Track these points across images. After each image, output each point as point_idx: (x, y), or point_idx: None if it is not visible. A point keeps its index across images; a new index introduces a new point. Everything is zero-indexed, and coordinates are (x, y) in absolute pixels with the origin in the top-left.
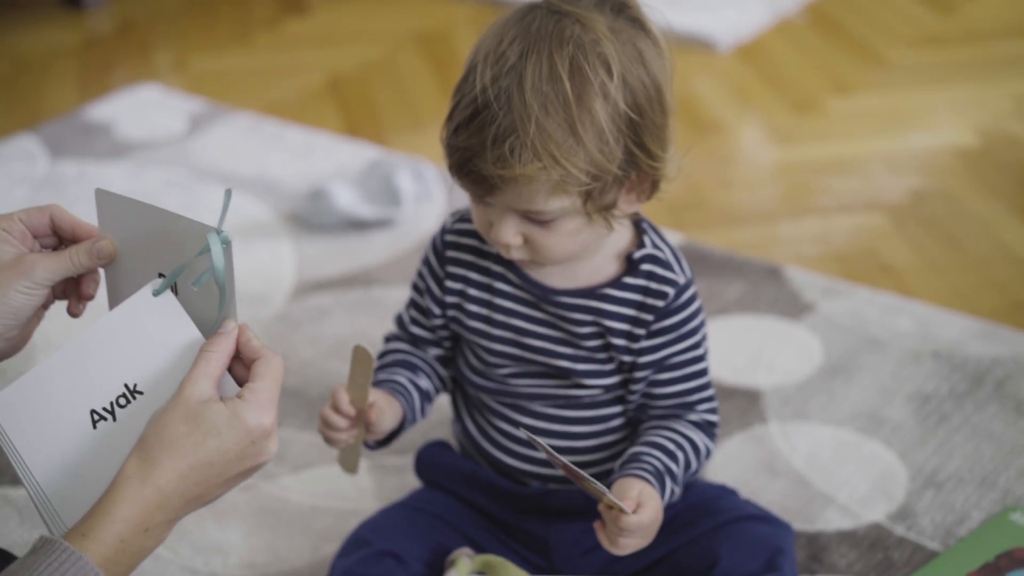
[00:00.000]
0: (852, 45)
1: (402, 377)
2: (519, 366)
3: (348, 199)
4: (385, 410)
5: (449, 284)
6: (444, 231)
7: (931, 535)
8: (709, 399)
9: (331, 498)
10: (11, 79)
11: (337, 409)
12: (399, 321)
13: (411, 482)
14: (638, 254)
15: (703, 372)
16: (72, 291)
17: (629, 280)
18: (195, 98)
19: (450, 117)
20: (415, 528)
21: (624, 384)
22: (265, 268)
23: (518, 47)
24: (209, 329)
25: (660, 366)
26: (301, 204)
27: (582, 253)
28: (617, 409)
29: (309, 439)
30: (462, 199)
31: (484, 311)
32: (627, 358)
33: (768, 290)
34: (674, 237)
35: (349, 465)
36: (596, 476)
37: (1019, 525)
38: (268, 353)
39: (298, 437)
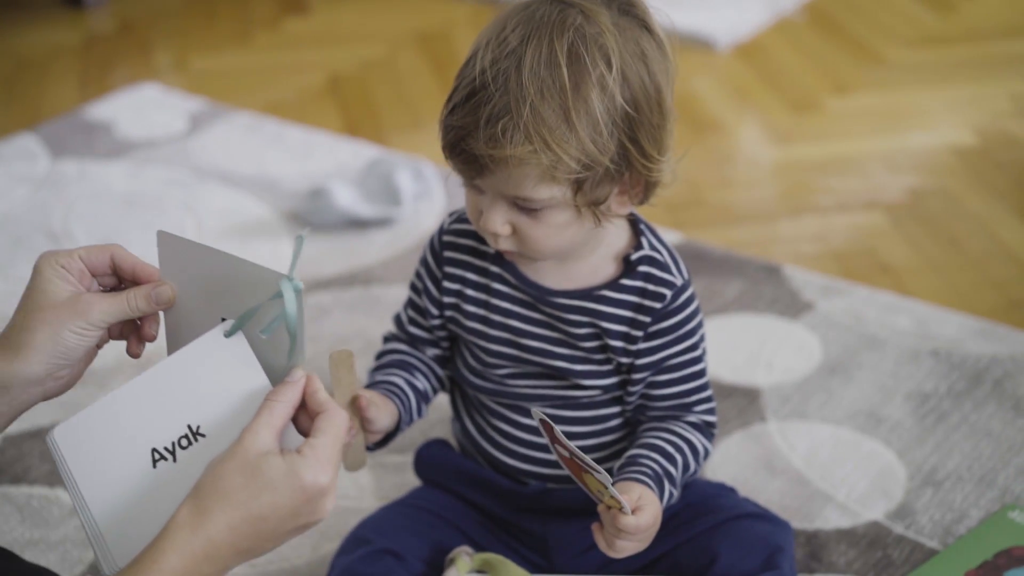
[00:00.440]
0: (851, 44)
1: (398, 378)
2: (517, 366)
3: (348, 198)
4: (379, 403)
5: (447, 284)
6: (442, 231)
7: (930, 533)
8: (707, 400)
9: None
10: (12, 78)
11: None
12: (397, 321)
13: (411, 480)
14: (635, 255)
15: (701, 373)
16: (131, 331)
17: (626, 282)
18: (195, 97)
19: (449, 99)
20: (415, 526)
21: (622, 385)
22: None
23: (520, 32)
24: (274, 376)
25: (658, 367)
26: (301, 203)
27: (572, 250)
28: (615, 410)
29: None
30: (461, 199)
31: (481, 311)
32: (625, 359)
33: (767, 289)
34: (673, 236)
35: (354, 463)
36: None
37: (1018, 523)
38: (333, 408)
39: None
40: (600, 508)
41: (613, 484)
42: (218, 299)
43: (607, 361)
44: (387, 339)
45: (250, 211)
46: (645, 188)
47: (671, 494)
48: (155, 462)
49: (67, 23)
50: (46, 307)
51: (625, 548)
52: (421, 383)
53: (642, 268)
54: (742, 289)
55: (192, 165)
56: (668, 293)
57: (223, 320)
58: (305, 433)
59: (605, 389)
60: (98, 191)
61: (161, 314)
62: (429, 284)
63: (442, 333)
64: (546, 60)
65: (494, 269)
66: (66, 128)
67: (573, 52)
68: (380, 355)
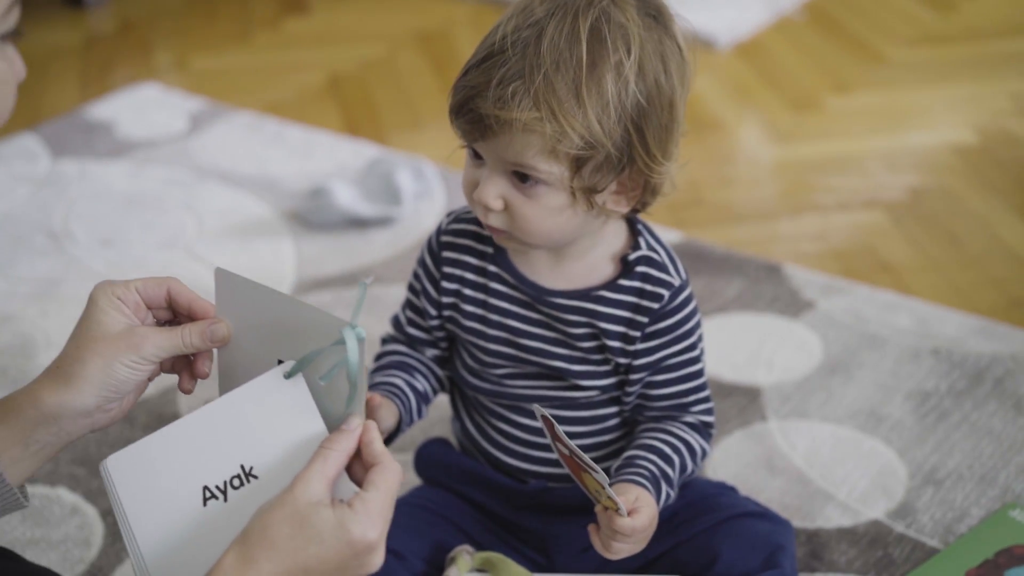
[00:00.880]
0: (851, 43)
1: (398, 379)
2: (515, 367)
3: (348, 197)
4: (381, 403)
5: (445, 284)
6: (440, 231)
7: (931, 532)
8: (705, 400)
9: None
10: None
11: None
12: (395, 322)
13: (411, 479)
14: (633, 256)
15: (699, 373)
16: (183, 367)
17: (624, 282)
18: (195, 97)
19: (466, 64)
20: (415, 525)
21: (620, 385)
22: (266, 266)
23: (547, 7)
24: (329, 423)
25: (656, 368)
26: (301, 202)
27: (562, 240)
28: (613, 410)
29: None
30: (461, 199)
31: (479, 311)
32: (623, 360)
33: (767, 288)
34: (673, 235)
35: None
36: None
37: (1018, 522)
38: (387, 461)
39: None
40: (597, 509)
41: (610, 485)
42: (274, 340)
43: (605, 361)
44: (385, 341)
45: (250, 211)
46: (643, 192)
47: (668, 495)
48: (206, 500)
49: (67, 23)
50: (99, 339)
51: (621, 550)
52: (421, 384)
53: (640, 268)
54: (742, 288)
55: (192, 165)
56: (666, 293)
57: (280, 362)
58: (358, 483)
59: (603, 389)
60: (98, 191)
61: (215, 352)
62: (427, 285)
63: (441, 334)
64: (567, 34)
65: (492, 269)
66: (66, 128)
67: (595, 32)
68: (379, 356)
